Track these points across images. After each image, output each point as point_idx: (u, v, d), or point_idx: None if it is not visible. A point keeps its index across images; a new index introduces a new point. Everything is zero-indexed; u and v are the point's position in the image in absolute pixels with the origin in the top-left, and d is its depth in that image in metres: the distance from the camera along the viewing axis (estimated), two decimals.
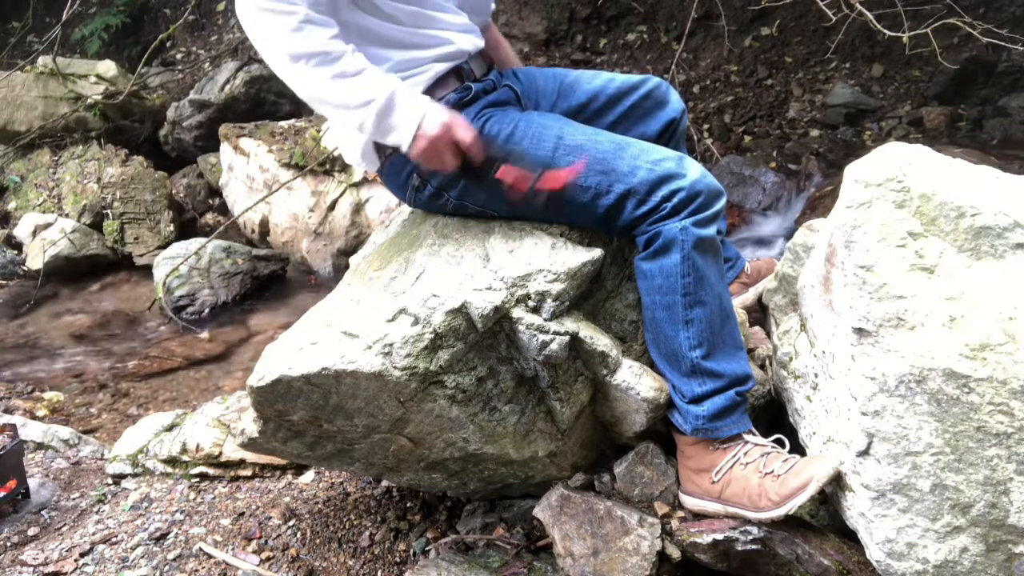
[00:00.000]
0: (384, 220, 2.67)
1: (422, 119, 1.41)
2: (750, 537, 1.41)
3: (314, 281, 4.55)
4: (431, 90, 1.54)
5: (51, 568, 1.85)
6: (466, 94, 1.58)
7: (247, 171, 4.80)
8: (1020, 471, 1.20)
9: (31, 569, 1.86)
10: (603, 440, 1.73)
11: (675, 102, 1.79)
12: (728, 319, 1.52)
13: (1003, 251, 1.28)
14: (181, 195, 5.46)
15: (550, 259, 1.49)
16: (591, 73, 1.78)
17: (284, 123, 4.94)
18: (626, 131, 1.66)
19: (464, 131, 1.45)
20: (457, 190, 1.58)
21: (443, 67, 1.56)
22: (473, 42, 1.62)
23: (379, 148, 1.60)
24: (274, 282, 4.46)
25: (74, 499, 2.20)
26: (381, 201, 4.39)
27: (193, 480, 2.20)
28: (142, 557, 1.85)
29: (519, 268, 1.48)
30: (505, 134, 1.53)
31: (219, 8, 7.04)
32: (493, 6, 1.82)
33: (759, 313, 2.03)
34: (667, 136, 1.77)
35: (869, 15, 3.24)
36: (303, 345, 1.47)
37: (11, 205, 5.22)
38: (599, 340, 1.50)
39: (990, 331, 1.22)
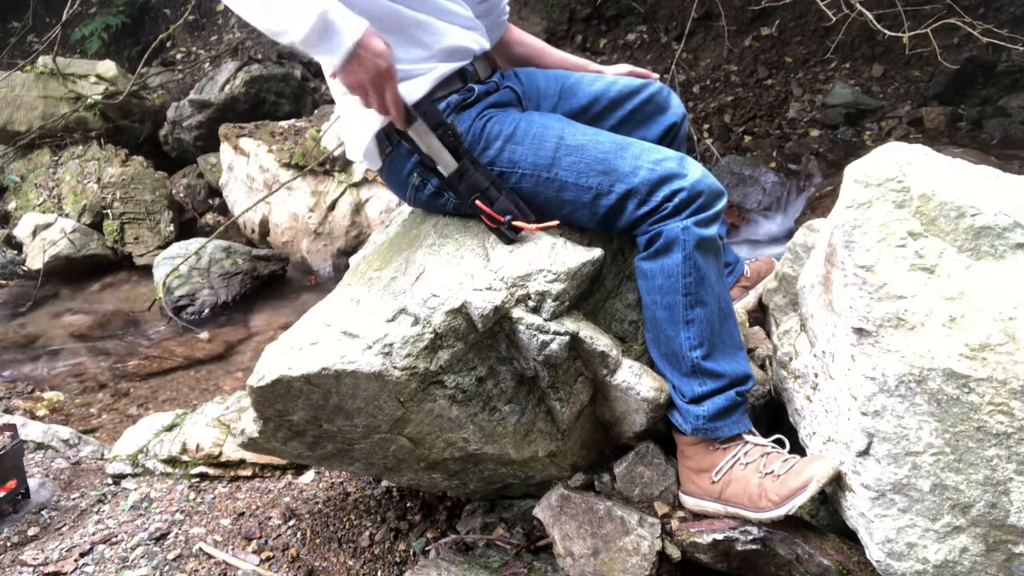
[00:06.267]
0: (384, 220, 2.67)
1: (350, 57, 1.31)
2: (750, 537, 1.41)
3: (314, 281, 4.55)
4: (435, 90, 1.54)
5: (51, 568, 1.85)
6: (469, 95, 1.58)
7: (247, 171, 4.80)
8: (1020, 471, 1.20)
9: (31, 569, 1.86)
10: (603, 440, 1.73)
11: (676, 107, 1.79)
12: (728, 319, 1.52)
13: (1003, 251, 1.28)
14: (181, 195, 5.46)
15: (550, 259, 1.49)
16: (592, 76, 1.78)
17: (284, 123, 4.95)
18: (627, 135, 1.66)
19: (392, 87, 1.36)
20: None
21: (448, 67, 1.55)
22: (478, 41, 1.62)
23: (380, 147, 1.60)
24: (274, 282, 4.46)
25: (74, 499, 2.20)
26: (381, 201, 4.40)
27: (193, 480, 2.20)
28: (142, 557, 1.85)
29: (519, 268, 1.48)
30: (506, 134, 1.53)
31: (219, 8, 7.04)
32: (507, 8, 1.81)
33: (759, 313, 2.03)
34: (668, 140, 1.77)
35: (869, 15, 3.25)
36: (303, 345, 1.47)
37: (11, 205, 5.22)
38: (599, 340, 1.50)
39: (990, 331, 1.22)
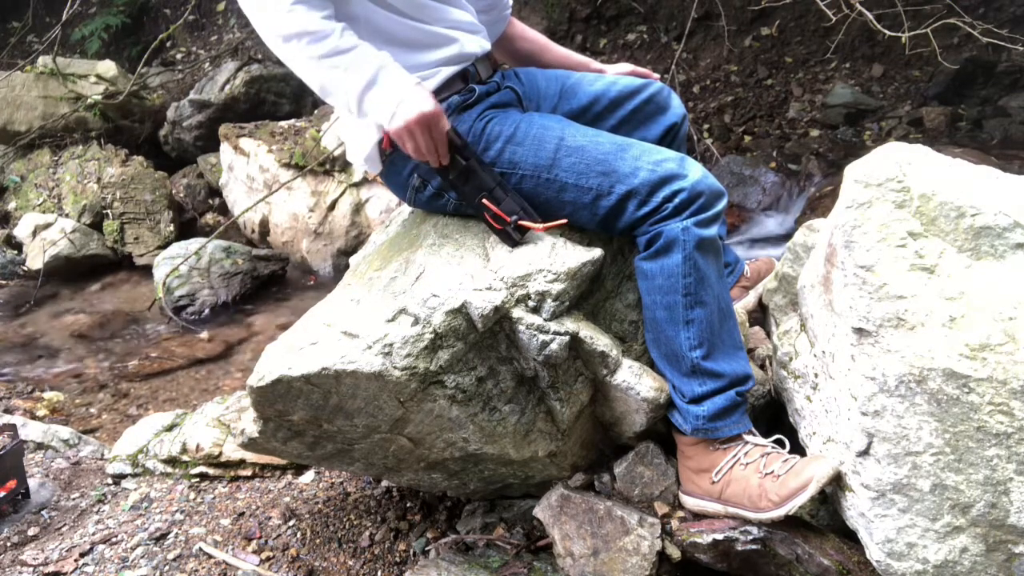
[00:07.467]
0: (384, 220, 2.68)
1: (399, 104, 1.39)
2: (750, 537, 1.41)
3: (314, 281, 4.55)
4: (437, 92, 1.54)
5: (51, 568, 1.85)
6: (469, 96, 1.58)
7: (247, 171, 4.80)
8: (1020, 471, 1.20)
9: (31, 569, 1.86)
10: (603, 440, 1.73)
11: (676, 107, 1.79)
12: (728, 319, 1.52)
13: (1003, 251, 1.28)
14: (181, 195, 5.46)
15: (550, 259, 1.49)
16: (592, 76, 1.78)
17: (284, 123, 4.95)
18: (627, 135, 1.66)
19: (440, 128, 1.44)
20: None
21: (451, 70, 1.56)
22: (480, 44, 1.62)
23: (381, 149, 1.60)
24: (274, 282, 4.46)
25: (74, 499, 2.20)
26: (381, 201, 4.40)
27: (193, 480, 2.20)
28: (142, 557, 1.85)
29: (519, 268, 1.48)
30: (506, 135, 1.53)
31: (219, 8, 7.05)
32: (510, 2, 1.81)
33: (759, 313, 2.03)
34: (668, 141, 1.77)
35: (869, 15, 3.25)
36: (303, 345, 1.47)
37: (11, 205, 5.22)
38: (599, 340, 1.50)
39: (990, 331, 1.22)
